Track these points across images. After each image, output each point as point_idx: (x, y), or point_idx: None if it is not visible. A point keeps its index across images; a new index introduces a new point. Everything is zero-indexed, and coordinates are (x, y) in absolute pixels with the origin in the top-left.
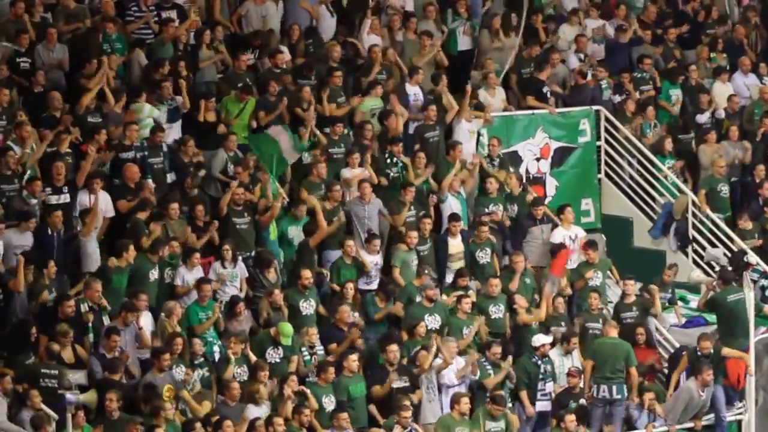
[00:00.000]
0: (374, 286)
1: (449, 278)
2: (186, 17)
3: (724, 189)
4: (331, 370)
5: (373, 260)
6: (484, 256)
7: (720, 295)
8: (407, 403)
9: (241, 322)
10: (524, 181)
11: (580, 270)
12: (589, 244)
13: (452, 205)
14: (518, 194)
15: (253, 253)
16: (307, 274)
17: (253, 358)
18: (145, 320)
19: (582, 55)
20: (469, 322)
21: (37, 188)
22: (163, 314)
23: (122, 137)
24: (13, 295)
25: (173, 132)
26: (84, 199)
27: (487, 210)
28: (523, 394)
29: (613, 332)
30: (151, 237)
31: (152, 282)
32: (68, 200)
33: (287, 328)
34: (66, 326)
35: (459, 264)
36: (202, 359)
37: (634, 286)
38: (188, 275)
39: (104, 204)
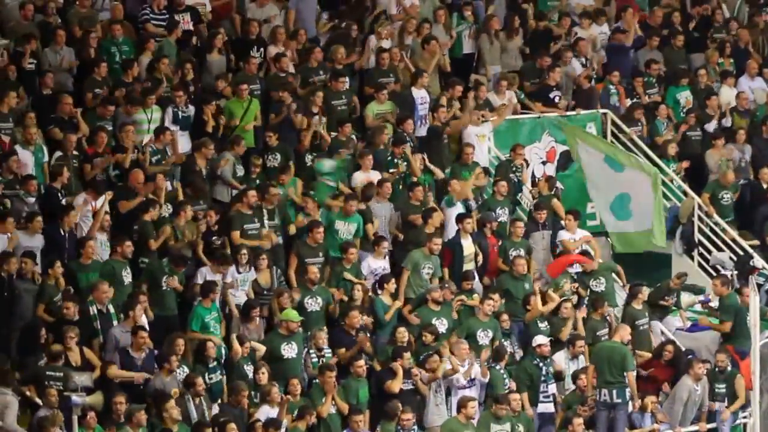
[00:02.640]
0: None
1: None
2: (200, 20)
3: (726, 197)
4: (329, 373)
5: (380, 265)
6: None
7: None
8: (409, 406)
9: (251, 331)
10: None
11: (582, 278)
12: (583, 253)
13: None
14: (547, 195)
15: None
16: (313, 270)
17: (261, 349)
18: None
19: (584, 59)
20: (488, 324)
21: (33, 187)
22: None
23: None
24: (20, 298)
25: (184, 140)
26: (80, 200)
27: (494, 213)
28: (524, 396)
29: (618, 336)
30: (161, 238)
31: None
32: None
33: (292, 312)
34: (67, 327)
35: (470, 266)
36: (215, 362)
37: (645, 294)
38: (210, 276)
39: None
